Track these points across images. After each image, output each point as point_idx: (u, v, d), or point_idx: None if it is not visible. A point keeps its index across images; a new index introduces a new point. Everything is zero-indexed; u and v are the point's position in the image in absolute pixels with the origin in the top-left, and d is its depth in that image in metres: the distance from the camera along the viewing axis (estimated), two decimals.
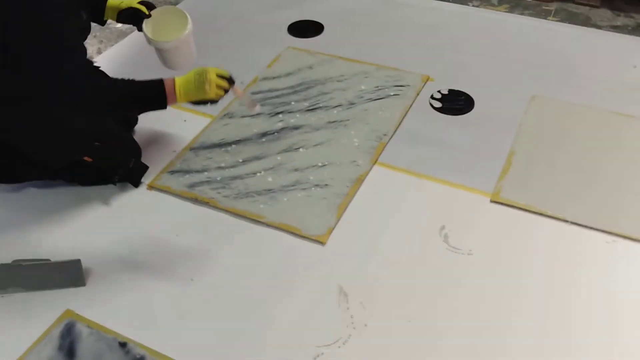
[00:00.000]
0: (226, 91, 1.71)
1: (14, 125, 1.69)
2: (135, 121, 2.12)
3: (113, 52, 2.61)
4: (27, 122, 1.67)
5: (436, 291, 1.59)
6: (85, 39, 1.79)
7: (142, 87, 1.67)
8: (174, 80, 1.66)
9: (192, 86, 1.66)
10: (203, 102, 1.71)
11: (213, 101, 1.71)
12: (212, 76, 1.67)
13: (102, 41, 2.73)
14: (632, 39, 2.67)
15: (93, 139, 1.82)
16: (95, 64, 2.04)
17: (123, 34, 2.73)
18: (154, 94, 1.66)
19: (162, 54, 1.82)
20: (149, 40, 1.79)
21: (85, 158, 1.80)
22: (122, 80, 1.68)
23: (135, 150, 1.95)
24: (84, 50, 1.72)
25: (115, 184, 1.89)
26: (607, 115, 2.16)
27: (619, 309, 1.55)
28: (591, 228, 1.74)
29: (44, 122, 1.69)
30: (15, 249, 1.69)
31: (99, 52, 2.63)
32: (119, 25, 2.70)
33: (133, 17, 1.83)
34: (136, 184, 1.92)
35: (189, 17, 1.80)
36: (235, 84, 1.74)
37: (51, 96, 1.60)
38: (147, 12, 1.81)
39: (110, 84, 1.73)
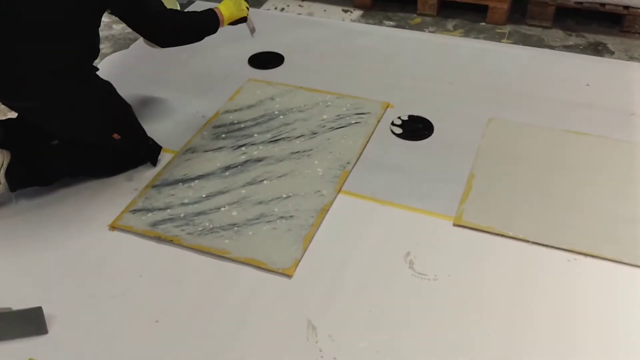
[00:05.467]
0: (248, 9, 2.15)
1: (58, 101, 1.86)
2: None
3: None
4: (70, 95, 1.87)
5: (403, 319, 1.60)
6: None
7: (203, 15, 2.02)
8: (218, 8, 2.05)
9: (233, 9, 2.08)
10: (238, 22, 2.12)
11: (244, 19, 2.13)
12: None
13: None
14: (584, 57, 2.75)
15: (123, 115, 2.06)
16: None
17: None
18: (213, 19, 2.02)
19: None
20: None
21: (115, 135, 1.99)
22: (185, 12, 2.03)
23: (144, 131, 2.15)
24: None
25: (140, 161, 2.09)
26: (563, 134, 2.21)
27: (583, 326, 1.57)
28: (552, 247, 1.77)
29: (84, 96, 1.90)
30: None
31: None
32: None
33: None
34: (154, 162, 2.11)
35: None
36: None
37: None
38: None
39: (180, 14, 2.02)
